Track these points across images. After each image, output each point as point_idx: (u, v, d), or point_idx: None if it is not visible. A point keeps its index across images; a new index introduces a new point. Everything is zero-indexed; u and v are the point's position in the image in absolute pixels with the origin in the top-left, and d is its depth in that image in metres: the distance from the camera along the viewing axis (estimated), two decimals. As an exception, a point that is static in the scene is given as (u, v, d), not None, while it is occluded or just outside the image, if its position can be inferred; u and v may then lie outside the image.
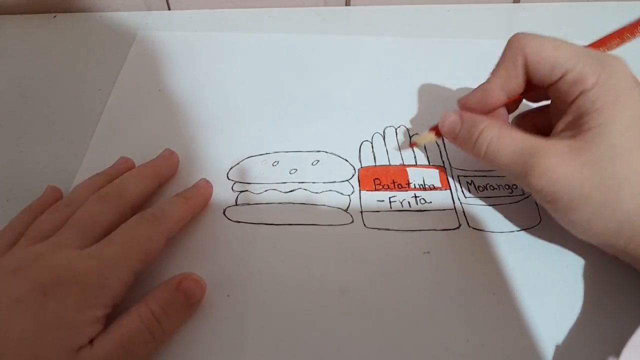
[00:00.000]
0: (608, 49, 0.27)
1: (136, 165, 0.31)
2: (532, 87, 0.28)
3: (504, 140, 0.26)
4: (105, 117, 0.36)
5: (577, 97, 0.25)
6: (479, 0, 0.45)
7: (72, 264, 0.23)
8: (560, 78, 0.25)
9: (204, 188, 0.30)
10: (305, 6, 0.45)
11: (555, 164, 0.24)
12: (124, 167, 0.31)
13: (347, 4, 0.45)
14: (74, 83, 0.39)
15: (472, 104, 0.29)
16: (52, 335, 0.21)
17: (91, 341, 0.22)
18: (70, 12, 0.45)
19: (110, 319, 0.23)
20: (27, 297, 0.21)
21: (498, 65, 0.28)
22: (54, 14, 0.45)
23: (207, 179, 0.31)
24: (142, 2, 0.44)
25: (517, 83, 0.27)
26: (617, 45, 0.27)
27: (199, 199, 0.30)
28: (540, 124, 0.30)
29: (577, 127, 0.25)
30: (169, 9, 0.45)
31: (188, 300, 0.25)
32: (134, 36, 0.42)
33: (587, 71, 0.24)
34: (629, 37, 0.27)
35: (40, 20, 0.44)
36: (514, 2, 0.45)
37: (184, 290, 0.25)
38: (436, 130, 0.31)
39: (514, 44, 0.27)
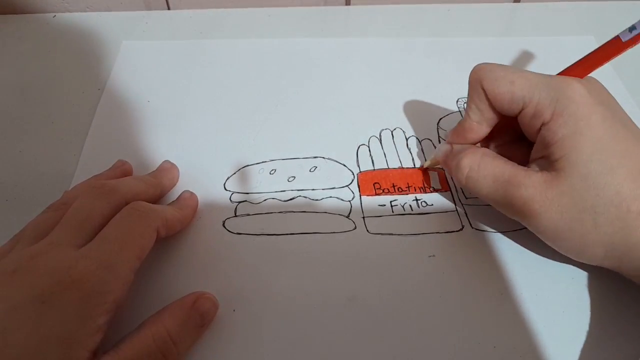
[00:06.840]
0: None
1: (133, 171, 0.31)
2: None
3: (484, 169, 0.26)
4: (95, 124, 0.35)
5: (539, 129, 0.25)
6: (479, 0, 0.45)
7: (70, 266, 0.22)
8: (521, 111, 0.25)
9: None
10: (305, 6, 0.45)
11: (533, 195, 0.24)
12: (122, 169, 0.31)
13: (347, 3, 0.45)
14: (73, 83, 0.39)
15: (455, 140, 0.29)
16: (52, 351, 0.20)
17: (95, 354, 0.21)
18: (70, 11, 0.45)
19: (111, 324, 0.22)
20: (25, 306, 0.21)
21: (467, 100, 0.28)
22: (53, 14, 0.45)
23: (204, 190, 0.31)
24: (141, 1, 0.44)
25: (491, 114, 0.27)
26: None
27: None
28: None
29: (547, 157, 0.25)
30: (169, 9, 0.45)
31: (202, 320, 0.25)
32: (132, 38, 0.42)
33: (544, 103, 0.24)
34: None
35: (40, 20, 0.44)
36: (514, 2, 0.45)
37: (200, 310, 0.25)
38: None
39: (472, 79, 0.27)
